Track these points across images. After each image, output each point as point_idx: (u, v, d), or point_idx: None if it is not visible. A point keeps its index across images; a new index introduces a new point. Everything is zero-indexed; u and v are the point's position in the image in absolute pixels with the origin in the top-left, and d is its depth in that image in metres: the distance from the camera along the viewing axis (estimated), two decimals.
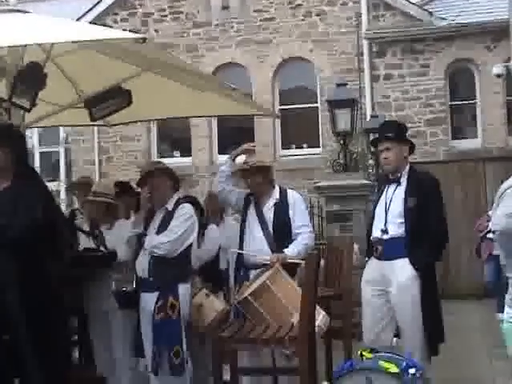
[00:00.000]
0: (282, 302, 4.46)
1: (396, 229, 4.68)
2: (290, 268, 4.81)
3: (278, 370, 4.87)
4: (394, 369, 3.85)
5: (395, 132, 4.88)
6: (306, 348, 4.15)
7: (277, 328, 4.34)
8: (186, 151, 13.57)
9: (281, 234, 5.03)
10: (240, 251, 5.12)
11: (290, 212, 5.09)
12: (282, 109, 12.94)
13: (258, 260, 4.96)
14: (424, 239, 4.60)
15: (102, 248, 5.29)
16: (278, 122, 12.81)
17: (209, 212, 6.25)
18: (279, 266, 4.72)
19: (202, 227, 5.82)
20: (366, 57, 12.72)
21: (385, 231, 4.70)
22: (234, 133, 13.31)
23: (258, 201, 5.16)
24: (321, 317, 4.57)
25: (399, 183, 4.79)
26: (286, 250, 4.97)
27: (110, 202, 5.36)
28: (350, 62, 12.79)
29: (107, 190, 5.48)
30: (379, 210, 4.81)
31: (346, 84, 9.27)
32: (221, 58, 13.35)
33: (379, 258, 4.75)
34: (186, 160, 13.41)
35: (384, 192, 4.84)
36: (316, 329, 4.44)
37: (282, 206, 5.10)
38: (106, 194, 5.40)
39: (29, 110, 4.89)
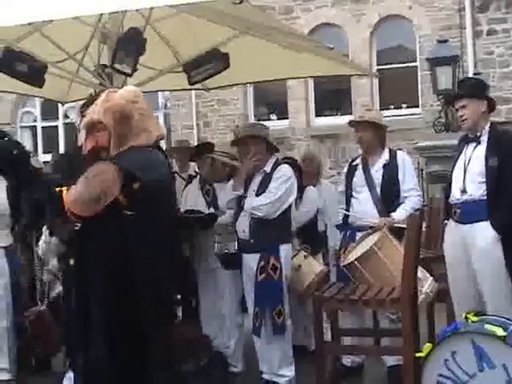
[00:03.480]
0: (388, 268, 4.38)
1: (475, 189, 4.45)
2: (397, 232, 4.69)
3: (381, 331, 4.84)
4: (500, 332, 3.73)
5: (470, 89, 4.66)
6: (409, 309, 4.10)
7: (378, 289, 4.31)
8: (283, 114, 13.53)
9: (388, 196, 4.96)
10: (347, 212, 5.07)
11: (399, 174, 5.00)
12: (380, 69, 12.63)
13: (365, 222, 4.91)
14: (504, 201, 4.36)
15: (203, 209, 5.37)
16: (375, 82, 12.52)
17: (305, 174, 6.23)
18: (386, 231, 4.63)
19: (300, 189, 5.82)
20: (467, 12, 12.18)
21: (464, 191, 4.49)
22: (331, 94, 13.15)
23: (367, 161, 5.10)
24: (429, 282, 4.46)
25: (479, 142, 4.54)
26: (393, 214, 4.90)
27: (231, 164, 5.35)
28: (451, 19, 12.29)
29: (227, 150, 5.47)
30: (458, 170, 4.58)
31: (447, 40, 8.96)
32: (316, 19, 13.13)
33: (458, 222, 4.52)
34: (283, 123, 13.37)
35: (463, 151, 4.60)
36: (423, 295, 4.35)
37: (391, 168, 5.01)
38: (227, 154, 5.41)
39: (130, 75, 5.00)
